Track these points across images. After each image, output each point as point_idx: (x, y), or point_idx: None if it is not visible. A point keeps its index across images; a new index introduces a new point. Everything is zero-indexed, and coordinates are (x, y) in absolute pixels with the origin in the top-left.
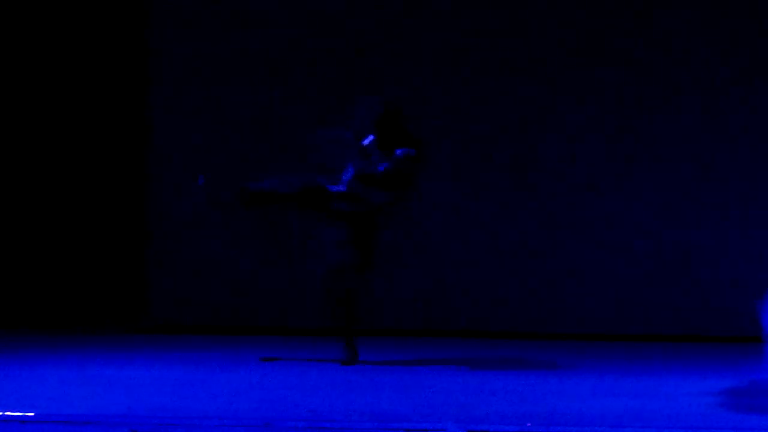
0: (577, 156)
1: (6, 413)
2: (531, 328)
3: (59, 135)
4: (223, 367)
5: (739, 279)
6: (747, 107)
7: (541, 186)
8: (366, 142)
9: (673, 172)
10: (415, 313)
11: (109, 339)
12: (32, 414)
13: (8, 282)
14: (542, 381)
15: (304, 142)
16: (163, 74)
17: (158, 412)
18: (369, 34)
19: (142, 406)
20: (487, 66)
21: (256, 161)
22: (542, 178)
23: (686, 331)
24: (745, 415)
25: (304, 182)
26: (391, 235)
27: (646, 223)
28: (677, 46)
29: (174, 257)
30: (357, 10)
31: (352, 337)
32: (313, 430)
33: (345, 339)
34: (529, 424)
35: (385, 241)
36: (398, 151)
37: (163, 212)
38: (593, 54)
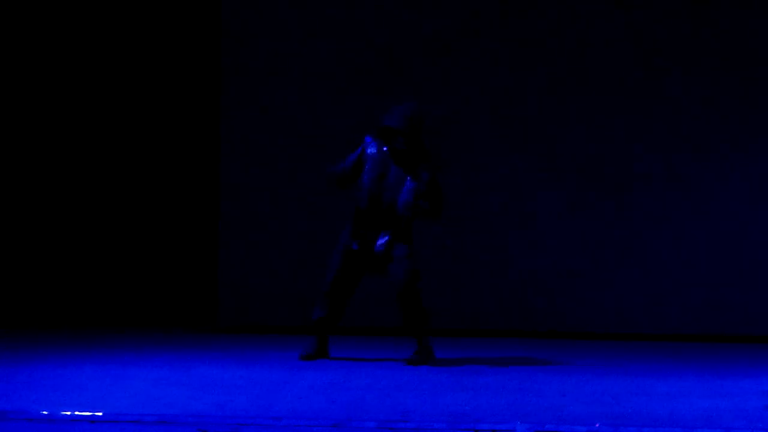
0: (659, 153)
1: (76, 413)
2: (593, 328)
3: (134, 138)
4: (299, 367)
5: None
6: None
7: (620, 183)
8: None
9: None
10: (473, 314)
11: (183, 339)
12: (101, 414)
13: (83, 282)
14: (611, 381)
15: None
16: (234, 78)
17: (230, 412)
18: (433, 40)
19: (215, 407)
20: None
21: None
22: (619, 175)
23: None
24: None
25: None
26: (458, 233)
27: (728, 222)
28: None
29: (248, 258)
30: (423, 16)
31: (427, 337)
32: (384, 431)
33: (418, 340)
34: (598, 425)
35: (449, 242)
36: (425, 175)
37: (234, 214)
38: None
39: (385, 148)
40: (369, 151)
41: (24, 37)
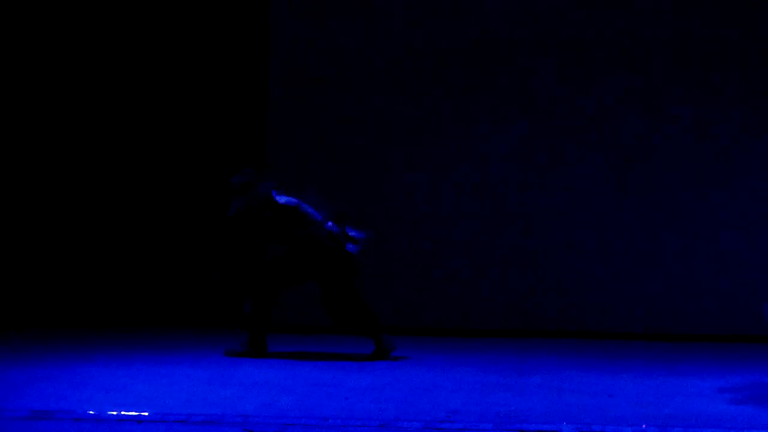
0: (689, 154)
1: (122, 412)
2: (636, 328)
3: (180, 137)
4: (344, 368)
5: None
6: None
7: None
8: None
9: None
10: (512, 313)
11: (226, 339)
12: (147, 413)
13: (125, 282)
14: (657, 381)
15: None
16: (281, 77)
17: (276, 412)
18: (492, 35)
19: (261, 407)
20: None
21: (372, 164)
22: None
23: None
24: None
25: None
26: (497, 238)
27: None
28: None
29: None
30: (484, 10)
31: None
32: (430, 431)
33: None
34: (644, 426)
35: (497, 245)
36: None
37: None
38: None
39: None
40: None
41: (54, 35)
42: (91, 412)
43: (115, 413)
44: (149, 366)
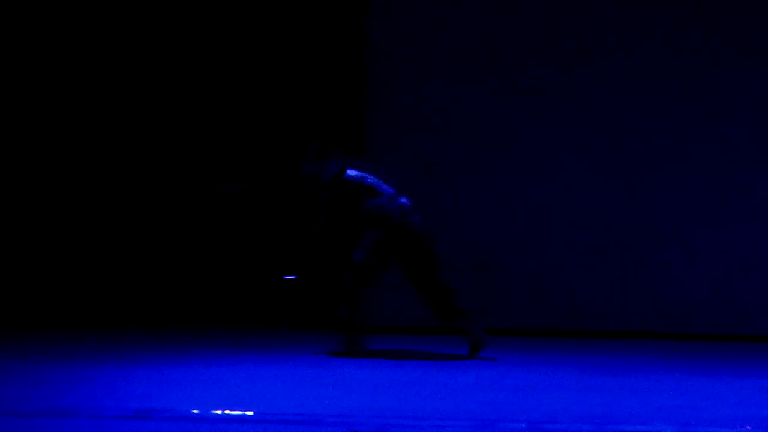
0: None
1: (226, 412)
2: (726, 329)
3: (272, 137)
4: (443, 367)
5: None
6: None
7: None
8: None
9: None
10: (583, 313)
11: (324, 339)
12: (251, 413)
13: (221, 283)
14: (752, 382)
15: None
16: (379, 79)
17: (377, 412)
18: (579, 32)
19: (364, 406)
20: None
21: (466, 161)
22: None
23: None
24: None
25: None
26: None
27: None
28: None
29: None
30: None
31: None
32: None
33: None
34: (748, 427)
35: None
36: None
37: None
38: None
39: None
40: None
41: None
42: (194, 411)
43: (219, 413)
44: (251, 365)
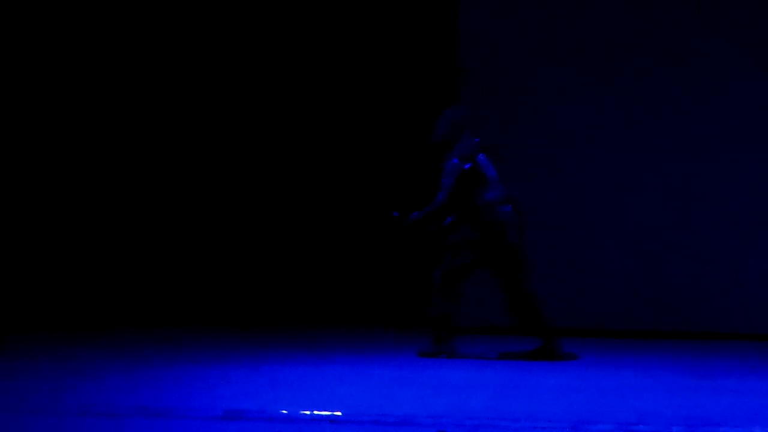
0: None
1: (315, 412)
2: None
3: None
4: (533, 369)
5: None
6: None
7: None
8: None
9: None
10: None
11: (412, 340)
12: (340, 413)
13: (321, 282)
14: None
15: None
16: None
17: (467, 413)
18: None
19: (452, 407)
20: None
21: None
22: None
23: None
24: None
25: None
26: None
27: None
28: None
29: None
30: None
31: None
32: None
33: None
34: None
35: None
36: None
37: None
38: None
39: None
40: None
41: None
42: (283, 411)
43: (308, 413)
44: (341, 366)
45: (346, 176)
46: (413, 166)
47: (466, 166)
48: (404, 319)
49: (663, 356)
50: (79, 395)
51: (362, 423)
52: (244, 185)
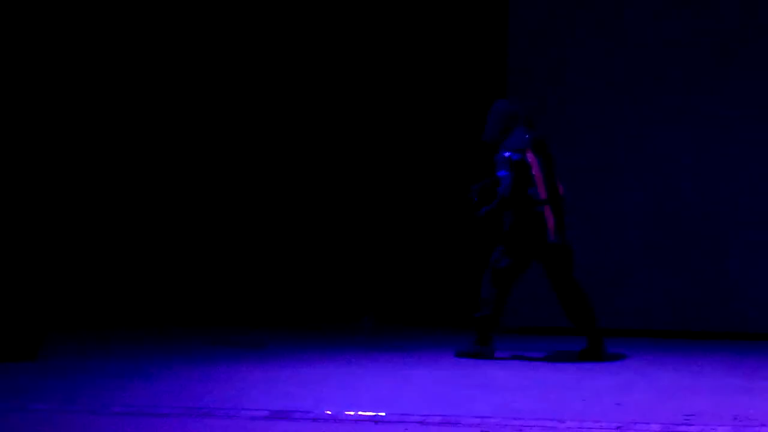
0: None
1: (359, 413)
2: None
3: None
4: (584, 369)
5: None
6: None
7: None
8: None
9: None
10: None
11: (461, 339)
12: (384, 414)
13: (366, 281)
14: None
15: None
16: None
17: (513, 413)
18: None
19: (498, 407)
20: None
21: (605, 169)
22: None
23: None
24: None
25: None
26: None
27: None
28: None
29: None
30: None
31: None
32: None
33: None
34: None
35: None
36: None
37: None
38: None
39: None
40: None
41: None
42: (328, 411)
43: (352, 413)
44: (386, 365)
45: (397, 175)
46: (465, 163)
47: (515, 157)
48: (448, 319)
49: (710, 356)
50: (127, 395)
51: (407, 423)
52: (286, 184)
